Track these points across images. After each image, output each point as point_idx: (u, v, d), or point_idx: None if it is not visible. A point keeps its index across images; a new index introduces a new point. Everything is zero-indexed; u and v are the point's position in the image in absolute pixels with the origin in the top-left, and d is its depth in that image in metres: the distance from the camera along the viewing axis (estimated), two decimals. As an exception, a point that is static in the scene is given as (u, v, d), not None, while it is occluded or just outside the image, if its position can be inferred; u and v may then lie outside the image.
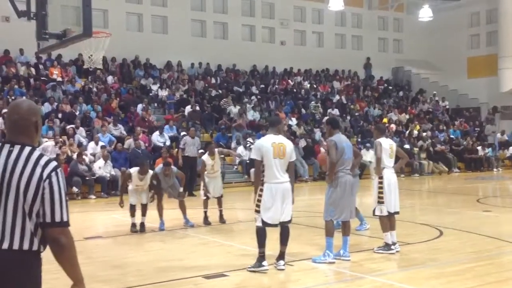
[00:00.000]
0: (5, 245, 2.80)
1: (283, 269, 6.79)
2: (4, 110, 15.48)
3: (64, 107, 19.24)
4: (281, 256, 6.88)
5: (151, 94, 22.86)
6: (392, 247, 7.75)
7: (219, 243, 8.28)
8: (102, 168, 16.26)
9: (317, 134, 22.60)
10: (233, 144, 20.45)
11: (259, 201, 6.79)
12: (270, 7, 29.40)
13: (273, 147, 6.76)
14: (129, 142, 17.88)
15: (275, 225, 6.85)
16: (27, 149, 2.85)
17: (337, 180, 7.29)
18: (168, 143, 18.66)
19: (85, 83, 21.67)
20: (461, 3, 30.41)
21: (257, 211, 6.79)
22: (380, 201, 7.73)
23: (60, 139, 16.81)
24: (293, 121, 23.23)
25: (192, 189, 15.55)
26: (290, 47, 29.54)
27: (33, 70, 21.32)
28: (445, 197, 16.24)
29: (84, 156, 16.34)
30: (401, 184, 19.97)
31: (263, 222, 6.75)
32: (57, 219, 2.83)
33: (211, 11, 27.46)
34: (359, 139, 22.98)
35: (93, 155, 16.92)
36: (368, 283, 6.39)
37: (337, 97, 27.55)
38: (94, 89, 21.45)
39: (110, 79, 22.68)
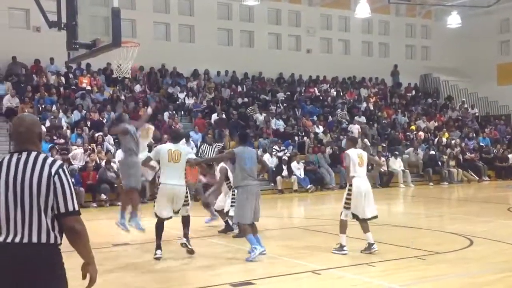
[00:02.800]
0: (25, 239, 3.08)
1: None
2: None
3: (93, 115, 19.52)
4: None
5: (178, 102, 23.05)
6: (373, 247, 8.26)
7: (246, 250, 8.26)
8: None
9: (344, 141, 22.43)
10: (259, 152, 20.46)
11: (348, 199, 8.19)
12: (296, 15, 29.43)
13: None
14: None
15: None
16: (34, 153, 3.21)
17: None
18: (194, 150, 18.76)
19: (113, 91, 21.96)
20: (490, 10, 29.96)
21: (347, 208, 8.21)
22: (346, 206, 8.30)
23: (89, 147, 17.06)
24: (320, 129, 23.16)
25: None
26: (316, 55, 29.49)
27: (63, 79, 21.69)
28: (475, 205, 15.95)
29: (112, 163, 16.53)
30: (429, 192, 19.85)
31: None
32: (70, 208, 3.16)
33: (237, 19, 27.61)
34: (386, 147, 22.77)
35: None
36: (396, 292, 6.32)
37: (364, 104, 27.37)
38: (122, 98, 21.73)
39: (138, 87, 22.95)
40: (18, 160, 3.18)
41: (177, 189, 8.05)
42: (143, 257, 8.56)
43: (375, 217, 8.45)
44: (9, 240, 3.09)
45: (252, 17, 28.01)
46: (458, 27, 29.73)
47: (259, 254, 7.84)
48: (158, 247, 8.10)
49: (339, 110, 25.65)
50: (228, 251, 8.80)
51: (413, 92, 31.33)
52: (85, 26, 8.38)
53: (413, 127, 25.93)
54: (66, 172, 3.22)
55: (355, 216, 8.32)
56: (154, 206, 8.24)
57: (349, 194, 8.27)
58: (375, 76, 30.73)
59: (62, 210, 3.15)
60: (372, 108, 27.31)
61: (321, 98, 27.00)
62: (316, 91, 27.52)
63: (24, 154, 3.20)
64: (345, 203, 8.30)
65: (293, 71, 28.10)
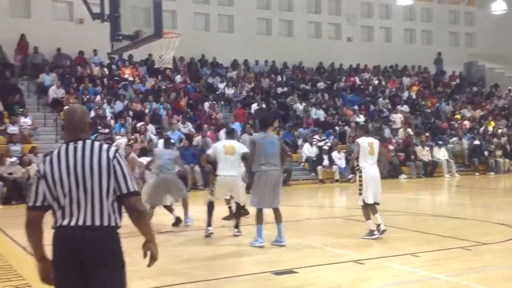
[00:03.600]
0: (88, 222, 3.21)
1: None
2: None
3: (135, 106, 19.81)
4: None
5: (217, 92, 23.15)
6: (381, 226, 8.49)
7: (288, 239, 8.25)
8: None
9: (387, 131, 22.15)
10: (299, 142, 20.40)
11: (361, 185, 8.56)
12: (336, 3, 29.07)
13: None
14: (197, 139, 18.20)
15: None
16: (89, 141, 3.35)
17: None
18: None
19: (155, 82, 22.22)
20: (538, -6, 28.93)
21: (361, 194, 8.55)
22: (360, 192, 8.65)
23: (132, 137, 17.32)
24: (361, 118, 22.89)
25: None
26: (357, 43, 29.09)
27: (106, 70, 22.07)
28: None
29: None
30: (475, 182, 19.41)
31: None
32: (132, 189, 3.32)
33: (276, 9, 27.47)
34: (429, 136, 22.34)
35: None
36: (443, 284, 6.19)
37: (407, 93, 26.90)
38: (163, 88, 21.96)
39: (178, 78, 23.15)
40: (75, 148, 3.32)
41: (233, 180, 8.67)
42: (187, 245, 8.66)
43: (377, 203, 8.74)
44: (73, 223, 3.22)
45: (291, 6, 27.82)
46: (503, 13, 28.82)
47: (278, 245, 8.03)
48: (209, 224, 8.80)
49: (380, 99, 25.28)
50: (270, 240, 8.79)
51: (458, 80, 30.59)
52: (127, 17, 8.48)
53: (457, 116, 25.33)
54: (122, 156, 3.39)
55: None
56: (210, 194, 9.04)
57: (361, 181, 8.64)
58: (418, 64, 30.14)
59: (124, 191, 3.29)
60: (415, 97, 26.81)
61: (362, 87, 26.66)
62: (357, 80, 27.19)
63: (80, 143, 3.34)
64: (359, 189, 8.67)
65: (333, 60, 27.82)
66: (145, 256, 3.38)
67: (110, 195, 3.26)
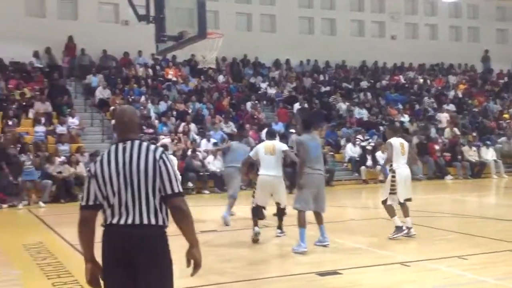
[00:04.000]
0: (137, 221, 3.27)
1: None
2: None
3: (178, 106, 20.06)
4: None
5: (260, 92, 23.19)
6: (411, 230, 8.56)
7: (332, 240, 8.20)
8: (211, 164, 16.74)
9: (432, 131, 21.72)
10: (342, 142, 20.22)
11: (393, 185, 8.61)
12: (380, 1, 28.69)
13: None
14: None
15: None
16: (137, 142, 3.43)
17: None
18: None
19: (197, 82, 22.44)
20: None
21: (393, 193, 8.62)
22: (392, 192, 8.64)
23: (176, 136, 17.55)
24: (405, 118, 22.52)
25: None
26: (401, 41, 28.64)
27: (150, 71, 22.42)
28: None
29: (197, 153, 16.92)
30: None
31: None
32: (176, 190, 3.35)
33: (318, 7, 27.32)
34: (477, 136, 21.79)
35: (206, 151, 17.47)
36: (491, 287, 6.04)
37: (453, 92, 26.32)
38: (206, 88, 22.15)
39: (221, 78, 23.30)
40: (124, 148, 3.40)
41: (273, 180, 8.58)
42: (228, 244, 8.71)
43: (409, 199, 8.88)
44: (122, 222, 3.29)
45: (333, 5, 27.61)
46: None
47: (322, 246, 7.97)
48: (255, 224, 8.65)
49: (426, 98, 24.82)
50: (311, 240, 8.76)
51: (506, 78, 29.73)
52: (172, 18, 8.57)
53: (506, 115, 24.61)
54: (168, 157, 3.43)
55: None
56: (252, 196, 9.05)
57: (393, 181, 8.66)
58: (464, 62, 29.44)
59: (169, 191, 3.33)
60: (461, 95, 26.21)
61: (406, 86, 26.23)
62: (402, 78, 26.77)
63: (129, 143, 3.42)
64: (391, 189, 8.69)
65: (376, 58, 27.49)
66: (188, 264, 3.37)
67: (156, 194, 3.31)
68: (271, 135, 9.40)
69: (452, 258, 7.27)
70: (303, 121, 8.55)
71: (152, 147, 3.42)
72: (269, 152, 8.60)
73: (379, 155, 19.07)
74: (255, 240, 8.51)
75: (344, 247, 8.16)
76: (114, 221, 3.30)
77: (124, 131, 3.48)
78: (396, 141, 8.80)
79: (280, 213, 9.03)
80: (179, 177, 3.50)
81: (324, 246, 8.00)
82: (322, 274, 6.52)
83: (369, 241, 8.53)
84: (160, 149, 3.44)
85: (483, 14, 30.65)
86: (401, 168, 8.72)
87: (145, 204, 3.29)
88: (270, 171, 8.53)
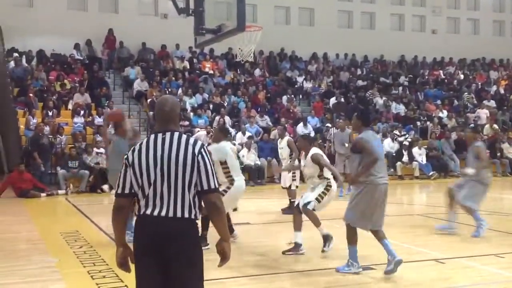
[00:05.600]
0: (171, 213, 3.29)
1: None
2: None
3: (215, 99, 20.17)
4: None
5: (296, 86, 23.12)
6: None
7: (363, 235, 8.11)
8: (246, 157, 16.79)
9: (471, 127, 21.27)
10: (379, 136, 19.98)
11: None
12: (421, -6, 28.23)
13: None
14: (275, 133, 18.24)
15: None
16: (176, 133, 3.40)
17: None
18: (312, 134, 18.76)
19: (234, 75, 22.51)
20: None
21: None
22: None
23: (211, 129, 17.65)
24: (444, 113, 22.12)
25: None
26: (442, 36, 28.10)
27: (187, 63, 22.61)
28: None
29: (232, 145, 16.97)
30: None
31: None
32: (212, 186, 3.36)
33: (358, 1, 27.03)
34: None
35: (241, 144, 17.53)
36: (529, 287, 5.91)
37: (494, 87, 25.69)
38: (242, 81, 22.20)
39: (257, 71, 23.32)
40: (164, 139, 3.39)
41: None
42: (263, 236, 8.73)
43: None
44: (155, 213, 3.31)
45: (373, -2, 27.29)
46: None
47: (353, 273, 6.32)
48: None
49: (465, 93, 24.31)
50: (341, 235, 8.69)
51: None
52: (211, 11, 8.62)
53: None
54: (207, 152, 3.41)
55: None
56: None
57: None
58: (507, 58, 28.70)
59: (205, 187, 3.34)
60: (503, 91, 25.57)
61: (446, 81, 25.74)
62: (442, 73, 26.27)
63: (168, 134, 3.40)
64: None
65: (416, 53, 27.06)
66: (219, 254, 3.42)
67: (192, 188, 3.32)
68: (225, 132, 8.62)
69: (488, 256, 7.15)
70: (361, 115, 6.70)
71: (192, 140, 3.40)
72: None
73: (416, 151, 18.82)
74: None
75: (377, 242, 8.06)
76: (148, 211, 3.31)
77: (165, 121, 3.45)
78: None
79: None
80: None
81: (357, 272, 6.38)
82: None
83: (404, 237, 8.41)
84: (200, 143, 3.41)
85: (527, 8, 29.82)
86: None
87: (180, 197, 3.29)
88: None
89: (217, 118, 18.72)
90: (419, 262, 6.78)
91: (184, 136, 3.41)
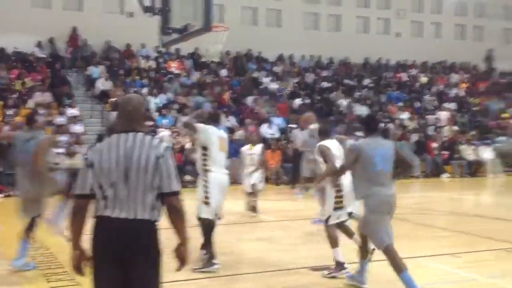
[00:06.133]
0: (131, 215, 3.26)
1: None
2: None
3: (180, 99, 20.08)
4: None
5: (261, 86, 23.21)
6: None
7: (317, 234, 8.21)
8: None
9: (431, 128, 21.78)
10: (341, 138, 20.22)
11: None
12: (386, -3, 28.68)
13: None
14: (239, 134, 18.33)
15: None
16: (140, 134, 3.35)
17: None
18: (277, 135, 18.89)
19: (200, 75, 22.45)
20: None
21: None
22: None
23: (176, 129, 17.59)
24: (405, 115, 22.53)
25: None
26: (406, 39, 28.61)
27: (153, 63, 22.45)
28: None
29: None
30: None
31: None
32: (174, 189, 3.33)
33: (325, 3, 27.30)
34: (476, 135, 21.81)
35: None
36: (483, 285, 6.11)
37: (455, 90, 26.30)
38: (208, 82, 22.16)
39: (224, 71, 23.32)
40: (126, 140, 3.34)
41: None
42: (227, 237, 8.73)
43: None
44: (115, 215, 3.27)
45: (340, 0, 27.59)
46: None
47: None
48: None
49: (427, 96, 24.82)
50: (309, 234, 8.80)
51: (509, 78, 29.66)
52: (177, 11, 8.58)
53: (506, 115, 24.61)
54: (171, 154, 3.38)
55: None
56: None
57: None
58: (468, 61, 29.41)
59: (167, 190, 3.31)
60: (463, 94, 26.20)
61: (408, 83, 26.23)
62: (404, 76, 26.76)
63: (131, 134, 3.36)
64: None
65: (380, 55, 27.47)
66: (177, 259, 3.41)
67: (153, 190, 3.28)
68: (217, 120, 7.17)
69: (445, 256, 7.33)
70: (364, 120, 6.49)
71: (156, 142, 3.34)
72: (223, 149, 6.79)
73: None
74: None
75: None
76: (107, 213, 3.26)
77: (128, 120, 3.39)
78: None
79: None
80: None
81: None
82: (315, 269, 6.59)
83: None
84: (164, 144, 3.37)
85: (489, 13, 30.58)
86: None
87: (141, 199, 3.25)
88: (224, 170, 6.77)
89: (181, 118, 18.64)
90: (375, 262, 6.88)
91: (147, 137, 3.36)
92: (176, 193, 3.32)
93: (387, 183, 5.59)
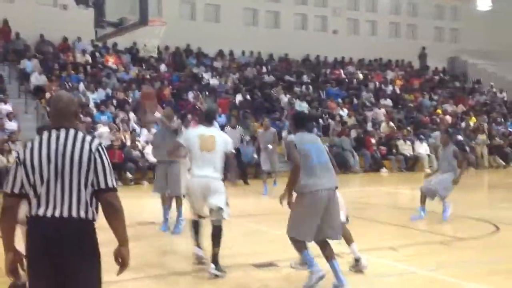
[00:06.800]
0: (65, 214, 3.16)
1: (216, 274, 6.07)
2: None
3: (118, 95, 19.66)
4: (213, 259, 6.16)
5: (202, 82, 23.07)
6: None
7: (266, 231, 8.27)
8: (150, 154, 16.49)
9: (369, 124, 22.31)
10: (284, 134, 20.39)
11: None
12: (323, -5, 29.10)
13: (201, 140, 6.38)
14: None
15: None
16: (72, 130, 3.28)
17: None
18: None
19: (138, 71, 22.06)
20: (522, -9, 29.21)
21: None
22: None
23: (115, 126, 17.21)
24: (344, 112, 22.99)
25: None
26: (343, 36, 29.16)
27: (89, 57, 21.85)
28: (502, 192, 15.73)
29: (137, 143, 16.66)
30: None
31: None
32: (110, 185, 3.25)
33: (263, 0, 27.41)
34: (411, 130, 22.52)
35: (146, 142, 17.22)
36: (420, 277, 6.28)
37: (391, 87, 27.06)
38: (148, 77, 21.81)
39: (163, 67, 23.00)
40: (58, 136, 3.26)
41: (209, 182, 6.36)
42: (167, 236, 8.62)
43: None
44: (48, 213, 3.16)
45: (278, -3, 27.78)
46: (488, 9, 29.07)
47: (318, 279, 5.66)
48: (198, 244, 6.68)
49: (364, 92, 25.41)
50: (249, 232, 8.80)
51: (441, 75, 30.84)
52: (112, 3, 8.35)
53: (439, 111, 25.56)
54: (105, 150, 3.31)
55: None
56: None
57: None
58: (402, 58, 30.33)
59: (103, 186, 3.23)
60: (398, 91, 26.99)
61: (346, 80, 26.76)
62: (342, 73, 27.27)
63: (63, 131, 3.28)
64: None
65: (319, 52, 27.87)
66: (117, 262, 3.31)
67: (88, 187, 3.20)
68: (209, 119, 6.70)
69: (383, 249, 7.50)
70: (294, 116, 6.50)
71: (88, 137, 3.30)
72: (205, 148, 6.35)
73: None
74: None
75: (278, 238, 8.23)
76: (40, 212, 3.15)
77: (59, 118, 3.33)
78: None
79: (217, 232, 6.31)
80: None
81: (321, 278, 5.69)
82: (258, 265, 6.60)
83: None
84: (97, 140, 3.32)
85: (421, 12, 31.62)
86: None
87: (76, 196, 3.17)
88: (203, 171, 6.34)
89: (120, 114, 18.27)
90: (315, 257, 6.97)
91: (80, 133, 3.29)
92: (112, 189, 3.24)
93: (322, 176, 5.62)
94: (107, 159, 3.28)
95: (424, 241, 8.12)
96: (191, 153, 6.50)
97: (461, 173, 9.73)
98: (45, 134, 3.27)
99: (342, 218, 6.14)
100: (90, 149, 3.22)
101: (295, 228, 5.65)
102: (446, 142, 10.14)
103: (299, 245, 5.72)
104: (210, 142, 6.38)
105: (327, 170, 5.70)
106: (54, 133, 3.26)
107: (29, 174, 3.18)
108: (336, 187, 5.80)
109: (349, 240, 6.33)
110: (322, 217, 5.59)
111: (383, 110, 23.56)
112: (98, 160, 3.22)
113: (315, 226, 5.58)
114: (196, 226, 6.59)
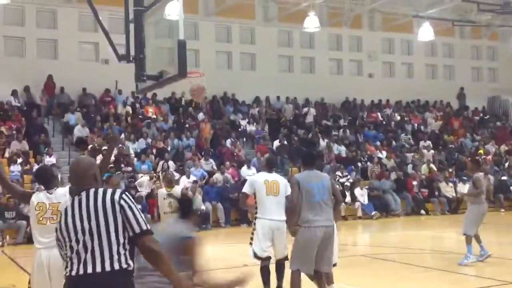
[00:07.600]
0: (98, 269, 3.15)
1: None
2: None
3: (158, 143, 20.03)
4: None
5: (240, 129, 23.30)
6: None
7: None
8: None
9: (409, 166, 21.99)
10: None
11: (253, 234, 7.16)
12: (357, 40, 29.28)
13: (266, 184, 7.00)
14: (217, 176, 18.25)
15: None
16: (92, 189, 3.36)
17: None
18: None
19: (177, 119, 22.46)
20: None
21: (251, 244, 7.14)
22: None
23: (155, 174, 17.47)
24: (383, 154, 22.78)
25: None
26: (379, 79, 29.16)
27: (130, 108, 22.43)
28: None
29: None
30: (500, 219, 18.95)
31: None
32: (144, 228, 3.23)
33: (298, 46, 27.78)
34: (453, 172, 22.08)
35: (186, 189, 17.35)
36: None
37: (430, 128, 26.75)
38: (186, 126, 22.19)
39: (201, 115, 23.38)
40: (80, 200, 3.34)
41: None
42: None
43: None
44: (81, 271, 3.19)
45: (312, 44, 28.08)
46: (525, 47, 28.72)
47: None
48: None
49: (402, 134, 25.19)
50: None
51: (481, 115, 30.35)
52: (152, 58, 8.63)
53: (481, 151, 25.03)
54: (130, 196, 3.36)
55: None
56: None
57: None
58: (440, 99, 30.05)
59: (137, 230, 3.24)
60: (437, 132, 26.65)
61: (384, 123, 26.62)
62: (379, 115, 27.17)
63: (83, 194, 3.37)
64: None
65: (355, 96, 27.87)
66: None
67: (119, 238, 3.21)
68: (270, 166, 7.36)
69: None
70: (302, 155, 7.33)
71: (109, 191, 3.35)
72: (272, 192, 6.93)
73: (358, 191, 19.18)
74: None
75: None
76: (74, 272, 3.20)
77: (78, 184, 3.44)
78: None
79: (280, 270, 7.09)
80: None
81: None
82: None
83: (348, 279, 8.49)
84: (119, 190, 3.37)
85: (458, 53, 31.44)
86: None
87: (107, 249, 3.18)
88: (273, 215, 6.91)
89: (161, 163, 18.56)
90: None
91: (100, 190, 3.35)
92: (147, 232, 3.25)
93: (322, 213, 6.18)
94: (134, 204, 3.31)
95: (471, 285, 7.84)
96: (257, 198, 7.03)
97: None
98: (73, 201, 3.38)
99: (335, 259, 6.71)
100: (113, 199, 3.27)
101: (298, 262, 6.22)
102: (472, 170, 9.81)
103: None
104: (273, 187, 7.01)
105: (327, 208, 6.26)
106: (76, 199, 3.36)
107: (66, 241, 3.29)
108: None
109: (330, 281, 6.63)
110: (317, 251, 6.16)
111: (425, 152, 23.26)
112: (126, 207, 3.26)
113: (313, 258, 6.16)
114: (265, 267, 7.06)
